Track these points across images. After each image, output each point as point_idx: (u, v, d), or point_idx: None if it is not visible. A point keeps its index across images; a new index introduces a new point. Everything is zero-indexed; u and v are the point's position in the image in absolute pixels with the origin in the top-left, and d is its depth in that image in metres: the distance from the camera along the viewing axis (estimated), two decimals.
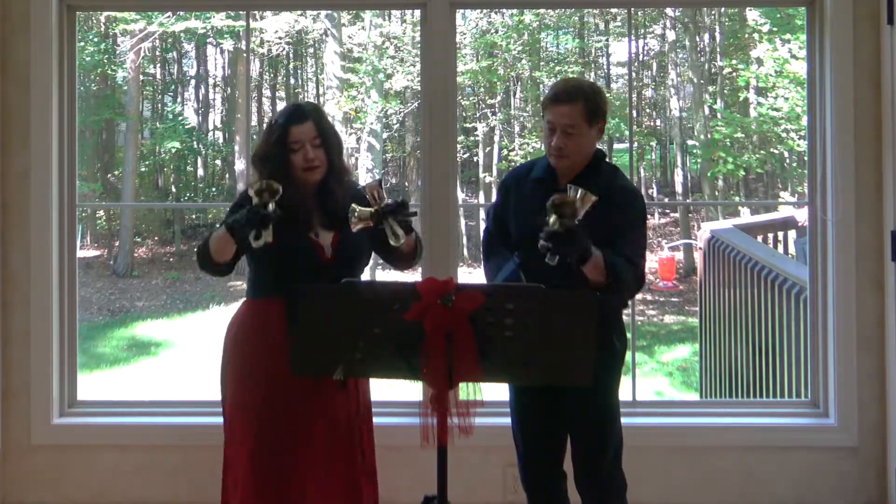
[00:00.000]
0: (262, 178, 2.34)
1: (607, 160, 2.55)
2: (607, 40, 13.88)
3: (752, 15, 11.38)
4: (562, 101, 2.40)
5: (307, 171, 2.37)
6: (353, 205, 2.26)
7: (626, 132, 12.12)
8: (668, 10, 12.33)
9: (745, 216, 10.93)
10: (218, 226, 2.39)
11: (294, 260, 2.35)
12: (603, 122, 2.46)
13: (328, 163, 2.40)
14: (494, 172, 12.45)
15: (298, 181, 2.37)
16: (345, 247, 2.40)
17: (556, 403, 2.47)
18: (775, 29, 10.98)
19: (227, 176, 14.47)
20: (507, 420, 2.62)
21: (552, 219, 2.18)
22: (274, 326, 2.33)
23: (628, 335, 2.67)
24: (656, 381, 9.38)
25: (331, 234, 2.41)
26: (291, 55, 14.96)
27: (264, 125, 2.59)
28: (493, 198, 2.71)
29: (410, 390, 4.16)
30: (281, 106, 15.35)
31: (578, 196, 2.19)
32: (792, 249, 6.38)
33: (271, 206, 2.21)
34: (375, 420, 2.55)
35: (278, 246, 2.26)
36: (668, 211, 14.18)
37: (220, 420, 2.51)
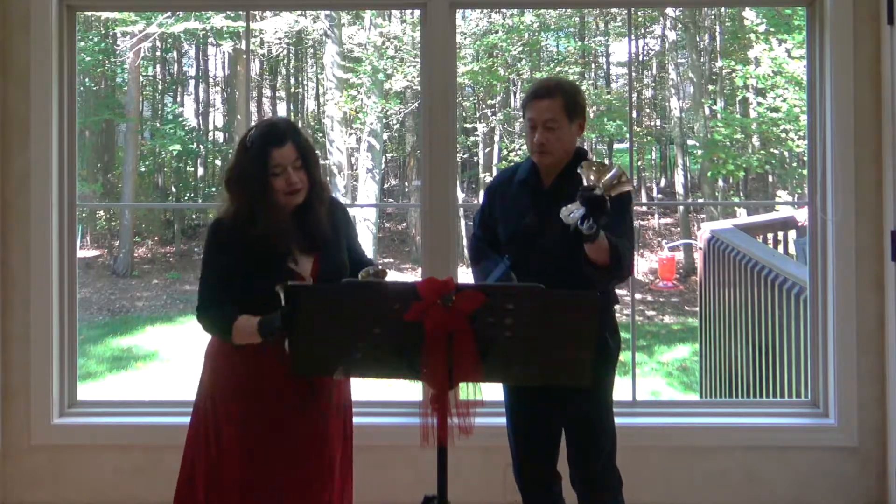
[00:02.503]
0: (237, 201, 2.24)
1: (589, 157, 2.56)
2: (607, 40, 13.88)
3: (749, 15, 11.37)
4: (541, 96, 2.44)
5: (290, 194, 2.25)
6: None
7: (626, 132, 12.12)
8: (669, 10, 12.34)
9: (745, 216, 10.92)
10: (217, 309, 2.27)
11: (274, 294, 2.12)
12: (583, 118, 2.49)
13: (309, 182, 2.29)
14: (494, 172, 12.44)
15: (277, 204, 2.25)
16: (325, 273, 2.30)
17: (549, 403, 2.48)
18: (772, 29, 10.97)
19: None
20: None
21: (592, 182, 2.18)
22: (263, 363, 2.24)
23: (625, 335, 2.67)
24: (655, 381, 9.37)
25: (310, 260, 2.31)
26: (291, 55, 14.96)
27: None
28: None
29: (410, 390, 4.16)
30: (281, 106, 15.39)
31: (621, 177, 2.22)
32: (792, 249, 6.38)
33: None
34: (376, 420, 2.55)
35: (257, 281, 2.19)
36: (668, 211, 14.17)
37: None
